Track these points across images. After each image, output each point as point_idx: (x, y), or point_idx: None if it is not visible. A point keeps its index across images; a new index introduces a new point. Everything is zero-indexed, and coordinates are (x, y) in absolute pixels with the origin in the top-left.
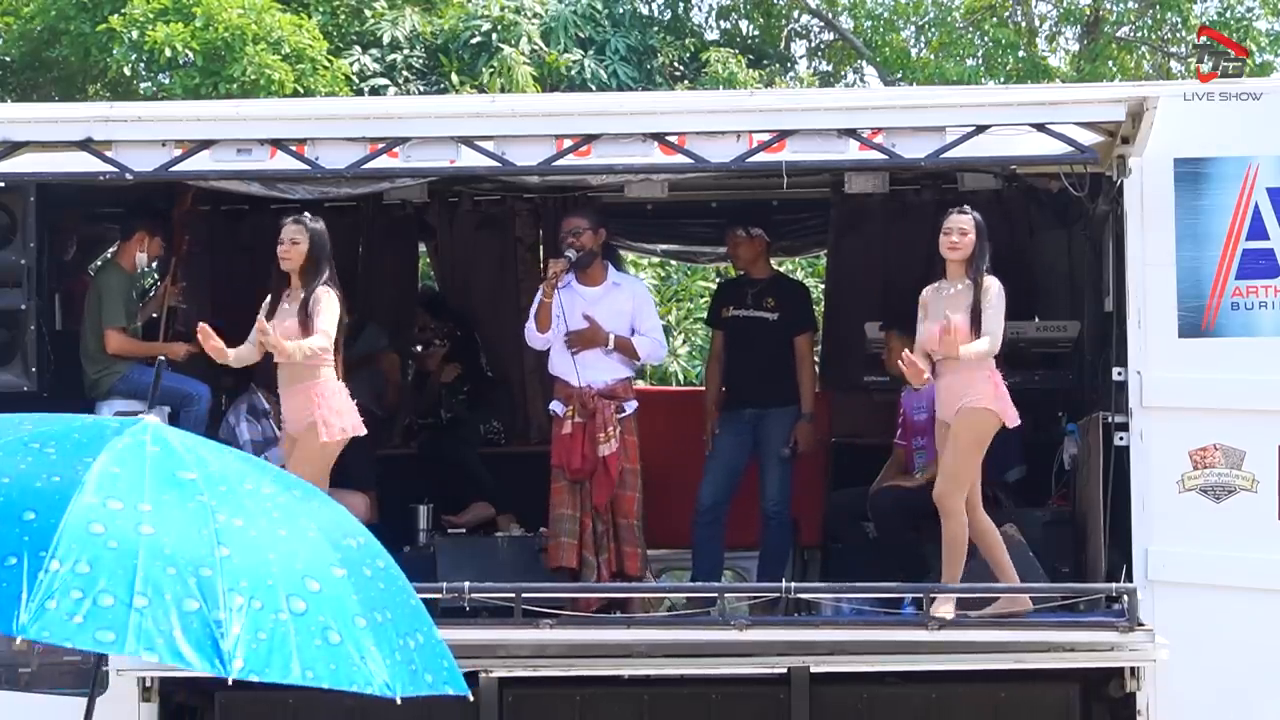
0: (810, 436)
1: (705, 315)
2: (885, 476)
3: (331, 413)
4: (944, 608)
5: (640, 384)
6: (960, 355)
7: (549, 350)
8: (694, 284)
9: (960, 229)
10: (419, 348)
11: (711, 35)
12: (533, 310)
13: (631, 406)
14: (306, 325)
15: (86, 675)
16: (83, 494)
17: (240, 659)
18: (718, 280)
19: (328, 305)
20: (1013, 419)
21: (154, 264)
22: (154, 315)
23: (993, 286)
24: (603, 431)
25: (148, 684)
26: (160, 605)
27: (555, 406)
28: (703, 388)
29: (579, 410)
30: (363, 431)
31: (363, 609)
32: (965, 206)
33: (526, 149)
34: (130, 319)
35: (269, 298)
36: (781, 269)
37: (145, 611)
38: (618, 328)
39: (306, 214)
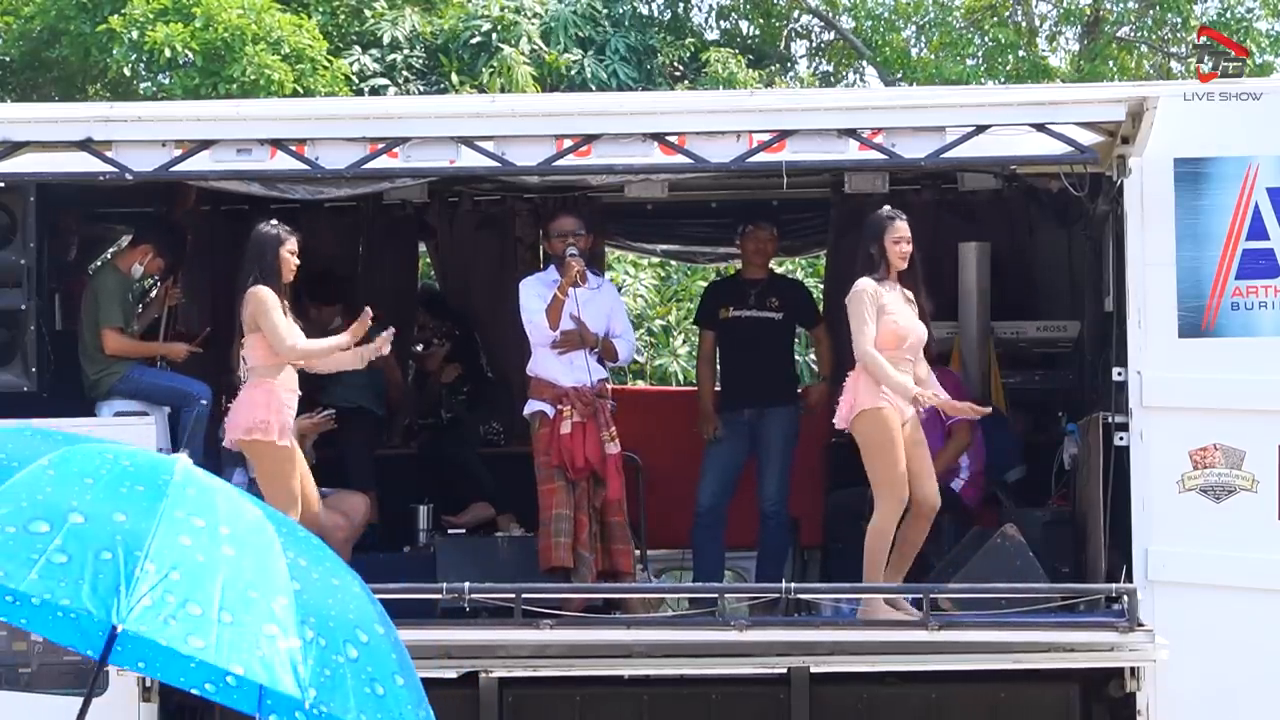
0: (824, 396)
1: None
2: None
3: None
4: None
5: (640, 384)
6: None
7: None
8: (694, 284)
9: (908, 238)
10: (419, 347)
11: (711, 35)
12: (543, 307)
13: (612, 405)
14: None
15: (86, 675)
16: (170, 506)
17: (313, 689)
18: (714, 279)
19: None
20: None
21: (150, 279)
22: (155, 316)
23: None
24: (606, 430)
25: (148, 684)
26: (243, 624)
27: (543, 407)
28: None
29: (578, 409)
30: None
31: (398, 669)
32: (900, 212)
33: (526, 149)
34: (127, 319)
35: (285, 306)
36: (781, 269)
37: (230, 628)
38: (601, 329)
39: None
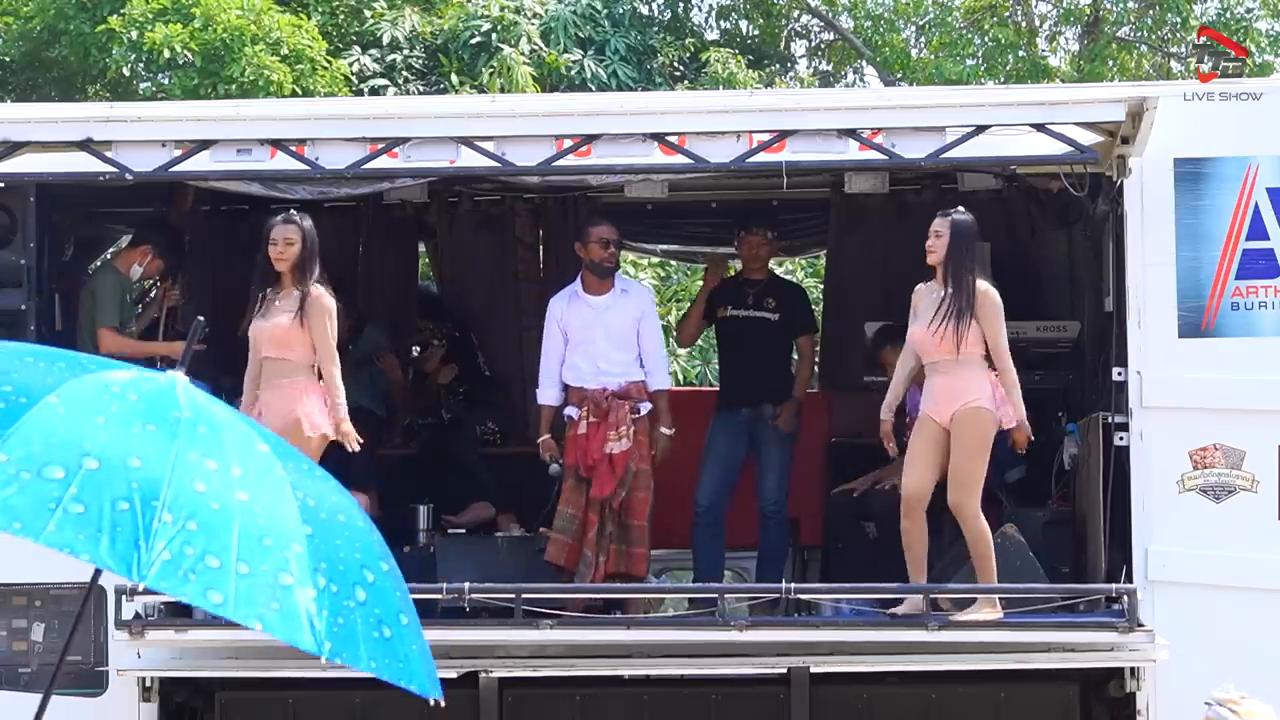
0: (793, 417)
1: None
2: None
3: (317, 410)
4: (983, 609)
5: None
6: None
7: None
8: (694, 284)
9: (935, 232)
10: (416, 349)
11: (711, 35)
12: (556, 347)
13: (645, 407)
14: (304, 324)
15: (86, 675)
16: (182, 447)
17: (328, 641)
18: None
19: (327, 307)
20: (1009, 420)
21: (149, 280)
22: (154, 317)
23: (987, 297)
24: (614, 430)
25: (148, 684)
26: (260, 575)
27: (570, 411)
28: (703, 388)
29: (593, 411)
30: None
31: (401, 606)
32: (949, 210)
33: (526, 149)
34: (123, 320)
35: (259, 296)
36: (781, 269)
37: (247, 579)
38: (624, 335)
39: (294, 212)
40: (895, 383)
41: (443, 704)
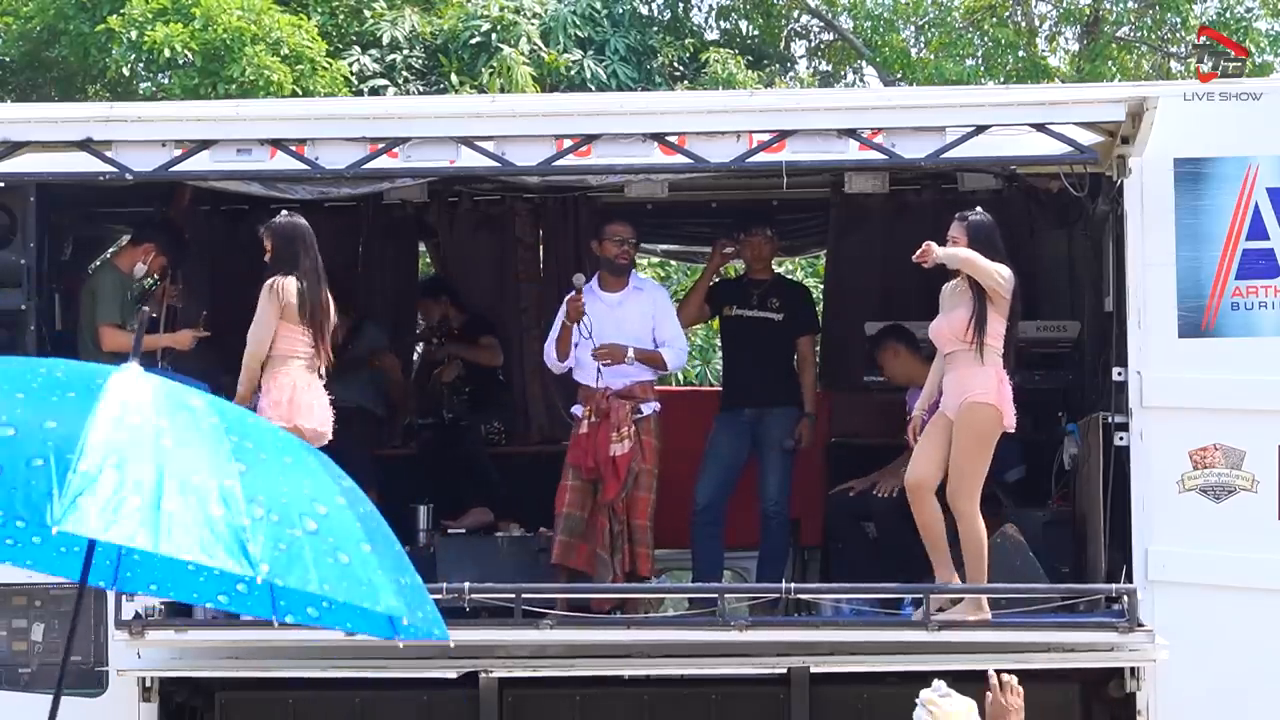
0: (812, 435)
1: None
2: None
3: (269, 404)
4: (968, 610)
5: None
6: (943, 257)
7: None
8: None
9: (952, 239)
10: (434, 340)
11: (711, 35)
12: (553, 335)
13: (650, 408)
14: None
15: (87, 675)
16: (105, 407)
17: (266, 564)
18: (716, 280)
19: (260, 302)
20: (1009, 421)
21: (149, 277)
22: (153, 315)
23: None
24: (615, 431)
25: (148, 684)
26: (188, 510)
27: (575, 409)
28: (702, 388)
29: (595, 411)
30: (321, 435)
31: (365, 537)
32: (964, 213)
33: (526, 149)
34: (125, 318)
35: None
36: (781, 269)
37: (175, 515)
38: (639, 332)
39: (284, 211)
40: (929, 383)
41: (401, 646)
